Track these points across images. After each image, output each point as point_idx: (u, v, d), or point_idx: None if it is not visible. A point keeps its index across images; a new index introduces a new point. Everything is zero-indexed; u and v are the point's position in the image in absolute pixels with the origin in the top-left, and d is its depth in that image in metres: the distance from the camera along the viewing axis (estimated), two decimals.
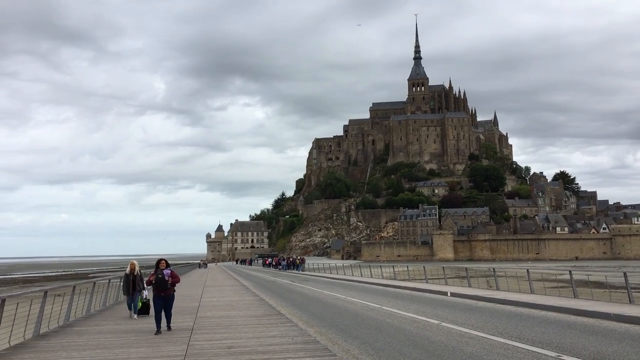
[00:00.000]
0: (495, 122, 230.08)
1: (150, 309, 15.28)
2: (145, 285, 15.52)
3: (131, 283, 15.84)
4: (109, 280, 21.05)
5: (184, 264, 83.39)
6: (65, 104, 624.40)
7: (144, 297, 15.87)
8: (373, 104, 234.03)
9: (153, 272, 12.78)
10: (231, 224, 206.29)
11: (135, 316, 15.52)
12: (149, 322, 13.78)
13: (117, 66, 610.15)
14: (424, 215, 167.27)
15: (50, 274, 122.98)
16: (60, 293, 18.81)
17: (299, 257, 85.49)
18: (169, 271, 12.62)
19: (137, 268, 16.16)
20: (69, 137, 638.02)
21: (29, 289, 15.55)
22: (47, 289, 13.85)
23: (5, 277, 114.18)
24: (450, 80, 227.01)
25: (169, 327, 12.59)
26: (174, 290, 12.85)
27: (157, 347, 10.29)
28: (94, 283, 18.61)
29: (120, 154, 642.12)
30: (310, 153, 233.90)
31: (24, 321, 12.21)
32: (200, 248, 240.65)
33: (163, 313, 12.58)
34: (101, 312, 17.69)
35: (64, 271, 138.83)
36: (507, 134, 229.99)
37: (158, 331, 12.16)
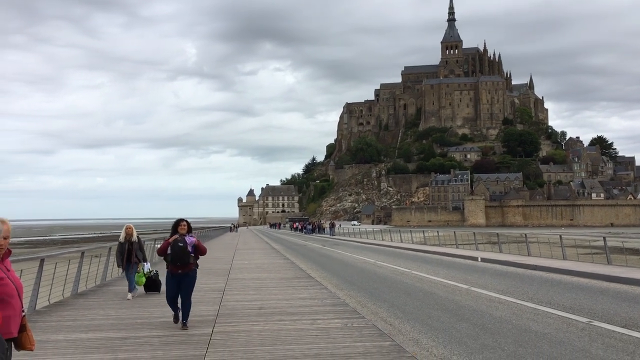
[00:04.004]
0: (530, 85, 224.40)
1: (162, 286, 12.13)
2: (145, 256, 12.87)
3: (126, 253, 12.41)
4: (144, 242, 21.56)
5: (215, 227, 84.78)
6: (98, 69, 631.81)
7: (146, 270, 12.62)
8: (405, 67, 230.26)
9: (169, 237, 8.92)
10: (262, 189, 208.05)
11: (130, 295, 12.00)
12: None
13: (149, 31, 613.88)
14: (456, 181, 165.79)
15: (87, 236, 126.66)
16: (97, 254, 19.40)
17: (329, 222, 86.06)
18: (194, 238, 8.92)
19: (134, 234, 12.62)
20: (102, 102, 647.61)
21: (66, 249, 16.04)
22: (84, 249, 14.28)
23: (44, 238, 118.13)
24: (484, 43, 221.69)
25: (184, 323, 8.61)
26: (197, 266, 9.01)
27: (192, 306, 10.54)
28: (148, 242, 19.23)
29: (153, 118, 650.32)
30: (341, 118, 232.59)
31: (63, 280, 12.61)
32: (231, 212, 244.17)
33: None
34: (158, 264, 18.14)
35: (100, 233, 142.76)
36: (542, 97, 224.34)
37: (176, 316, 8.84)
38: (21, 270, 8.76)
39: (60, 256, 13.23)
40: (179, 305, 8.76)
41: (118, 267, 13.09)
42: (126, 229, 12.48)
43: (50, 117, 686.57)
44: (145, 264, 12.58)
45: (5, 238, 3.70)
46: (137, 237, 12.75)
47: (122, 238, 12.47)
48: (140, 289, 12.54)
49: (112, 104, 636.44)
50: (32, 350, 3.85)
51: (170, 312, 9.17)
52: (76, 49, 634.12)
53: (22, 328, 3.74)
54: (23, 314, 3.74)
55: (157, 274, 12.84)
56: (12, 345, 3.77)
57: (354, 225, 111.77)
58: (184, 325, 8.57)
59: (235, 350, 7.06)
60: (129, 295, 11.98)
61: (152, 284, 12.67)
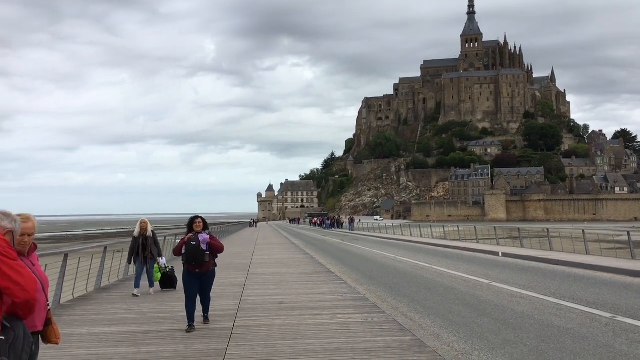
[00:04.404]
0: (552, 78, 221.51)
1: (178, 282, 12.08)
2: (160, 251, 12.54)
3: (140, 248, 12.11)
4: (165, 237, 21.75)
5: (235, 222, 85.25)
6: (119, 66, 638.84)
7: (162, 265, 12.35)
8: (424, 61, 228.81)
9: (185, 236, 8.70)
10: (281, 184, 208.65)
11: (136, 291, 11.68)
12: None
13: (168, 28, 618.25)
14: (476, 175, 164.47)
15: (108, 231, 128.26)
16: (119, 249, 19.61)
17: (348, 217, 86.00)
18: (207, 235, 8.51)
19: (149, 228, 12.30)
20: (123, 99, 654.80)
21: (89, 244, 16.26)
22: (106, 244, 14.46)
23: (67, 233, 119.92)
24: (505, 36, 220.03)
25: (205, 318, 8.61)
26: (215, 265, 8.71)
27: (212, 301, 10.63)
28: (165, 237, 19.57)
29: (173, 115, 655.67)
30: (360, 113, 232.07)
31: (86, 275, 12.79)
32: (250, 207, 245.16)
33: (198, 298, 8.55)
34: (174, 261, 18.33)
35: (121, 228, 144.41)
36: (564, 90, 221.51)
37: (191, 326, 8.14)
38: (45, 265, 8.90)
39: (83, 251, 13.42)
40: (198, 303, 8.51)
41: (128, 263, 12.70)
42: (141, 223, 12.26)
43: (73, 114, 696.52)
44: (160, 259, 12.33)
45: (30, 235, 3.75)
46: (152, 231, 12.42)
47: (136, 233, 12.23)
48: (156, 285, 12.35)
49: (133, 101, 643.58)
50: (57, 343, 3.91)
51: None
52: (97, 46, 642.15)
53: (48, 322, 3.80)
54: (48, 307, 3.80)
55: (172, 270, 12.58)
56: (39, 339, 3.84)
57: (377, 220, 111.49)
58: (206, 320, 8.54)
59: (256, 344, 7.10)
60: (136, 292, 11.69)
61: (167, 280, 12.45)
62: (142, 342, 7.33)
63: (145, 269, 12.08)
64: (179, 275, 10.83)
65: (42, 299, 3.73)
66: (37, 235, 3.87)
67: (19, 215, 3.68)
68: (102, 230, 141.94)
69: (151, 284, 12.08)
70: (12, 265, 3.13)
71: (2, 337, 3.11)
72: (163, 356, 6.60)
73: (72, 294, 11.87)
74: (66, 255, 11.35)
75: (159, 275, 12.25)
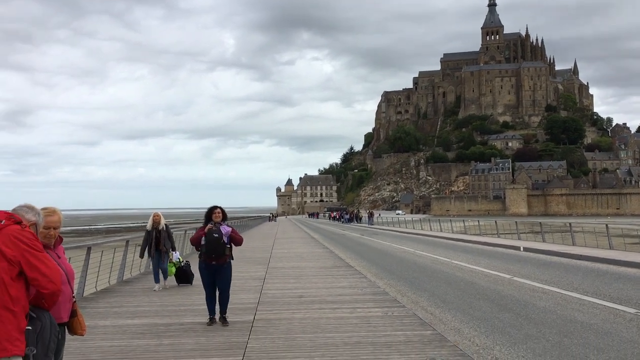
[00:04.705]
0: (575, 71, 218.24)
1: (194, 277, 11.89)
2: (174, 245, 12.29)
3: (153, 241, 11.81)
4: (185, 231, 21.94)
5: (254, 216, 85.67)
6: (139, 61, 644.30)
7: (175, 259, 12.11)
8: (444, 54, 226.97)
9: (203, 227, 8.27)
10: (300, 178, 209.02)
11: (157, 287, 11.49)
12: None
13: (187, 23, 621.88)
14: (497, 169, 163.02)
15: (130, 225, 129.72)
16: (140, 243, 19.84)
17: (368, 211, 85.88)
18: (229, 228, 8.22)
19: (162, 221, 12.01)
20: (143, 94, 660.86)
21: (111, 238, 16.45)
22: (128, 238, 14.62)
23: (89, 227, 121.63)
24: (526, 28, 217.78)
25: (223, 319, 8.04)
26: (232, 258, 8.29)
27: (232, 294, 10.72)
28: (185, 231, 19.76)
29: (193, 109, 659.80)
30: (379, 106, 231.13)
31: (109, 268, 12.96)
32: (270, 202, 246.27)
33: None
34: (190, 256, 18.49)
35: (142, 222, 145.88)
36: (587, 83, 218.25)
37: (212, 319, 8.07)
38: (69, 257, 9.04)
39: (105, 244, 13.60)
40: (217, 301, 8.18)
41: (140, 257, 12.37)
42: (153, 216, 11.97)
43: (94, 109, 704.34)
44: (174, 253, 12.11)
45: (55, 228, 3.81)
46: (165, 225, 12.09)
47: (149, 226, 11.92)
48: (171, 279, 12.12)
49: (153, 96, 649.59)
50: (83, 335, 3.97)
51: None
52: (117, 42, 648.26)
53: (73, 313, 3.86)
54: (73, 299, 3.86)
55: (188, 265, 12.31)
56: (65, 330, 3.90)
57: (399, 214, 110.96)
58: (224, 321, 7.96)
59: (277, 337, 7.13)
60: (157, 288, 11.45)
61: (182, 275, 12.15)
62: (164, 335, 7.41)
63: (159, 263, 11.79)
64: (194, 269, 10.98)
65: (67, 290, 3.79)
66: (61, 228, 3.93)
67: (44, 208, 3.74)
68: (123, 224, 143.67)
69: (165, 277, 11.80)
70: (39, 257, 3.19)
71: (30, 327, 3.17)
72: (185, 348, 6.66)
73: (95, 287, 12.03)
74: (89, 249, 11.50)
75: (173, 269, 11.98)
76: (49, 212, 3.78)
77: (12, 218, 3.26)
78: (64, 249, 4.10)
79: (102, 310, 9.34)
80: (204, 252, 8.06)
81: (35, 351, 3.16)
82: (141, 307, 9.66)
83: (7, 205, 3.92)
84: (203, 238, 8.06)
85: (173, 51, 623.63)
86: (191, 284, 12.05)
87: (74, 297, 3.87)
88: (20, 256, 3.11)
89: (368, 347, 6.56)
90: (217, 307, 8.20)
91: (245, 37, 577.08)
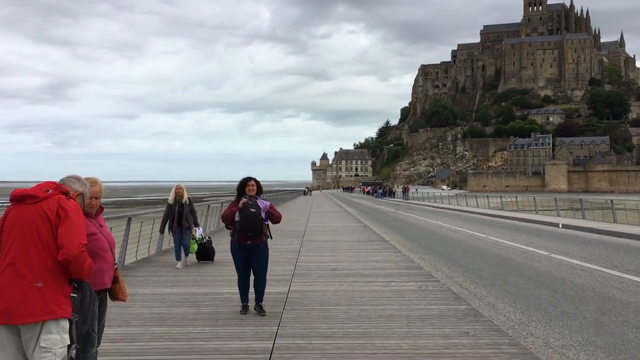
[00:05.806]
0: (621, 43, 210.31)
1: (215, 254, 11.49)
2: (197, 221, 11.47)
3: (176, 216, 11.03)
4: (222, 204, 22.26)
5: (289, 190, 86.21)
6: (176, 35, 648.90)
7: (198, 236, 11.30)
8: (484, 26, 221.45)
9: (237, 201, 7.15)
10: (335, 152, 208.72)
11: (179, 264, 10.81)
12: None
13: None
14: (536, 145, 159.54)
15: (167, 197, 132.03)
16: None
17: (402, 186, 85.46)
18: (267, 203, 7.22)
19: (185, 195, 11.22)
20: (180, 68, 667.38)
21: (151, 209, 16.82)
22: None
23: (129, 198, 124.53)
24: None
25: (260, 307, 7.04)
26: (269, 237, 7.27)
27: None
28: (208, 205, 19.97)
29: (229, 83, 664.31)
30: (416, 80, 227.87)
31: (148, 238, 13.28)
32: (305, 176, 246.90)
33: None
34: (214, 233, 18.84)
35: None
36: (634, 56, 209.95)
37: (245, 307, 7.08)
38: (110, 227, 9.30)
39: (144, 216, 13.92)
40: (251, 287, 7.13)
41: (160, 232, 11.80)
42: (176, 189, 11.23)
43: (133, 83, 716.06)
44: (197, 229, 11.32)
45: (97, 198, 3.95)
46: (188, 198, 11.31)
47: (171, 199, 11.19)
48: (192, 257, 11.48)
49: (190, 70, 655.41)
50: (124, 300, 4.12)
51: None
52: (155, 15, 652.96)
53: (115, 280, 4.00)
54: (115, 267, 3.99)
55: (210, 241, 11.62)
56: (107, 296, 4.05)
57: (444, 189, 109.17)
58: (261, 310, 6.98)
59: (311, 309, 7.22)
60: (179, 265, 10.81)
61: (204, 252, 11.41)
62: (202, 304, 7.59)
63: (181, 239, 11.02)
64: (216, 246, 11.04)
65: (109, 258, 3.93)
66: (102, 199, 4.06)
67: (87, 179, 3.86)
68: (162, 195, 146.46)
69: (186, 253, 11.14)
70: (69, 227, 3.27)
71: (75, 295, 3.30)
72: (222, 317, 6.82)
73: (135, 256, 12.36)
74: (129, 219, 11.80)
75: (195, 246, 11.23)
76: (91, 182, 3.91)
77: (59, 188, 3.38)
78: (104, 219, 4.23)
79: (142, 279, 9.61)
80: (239, 228, 6.97)
81: (77, 318, 3.29)
82: (179, 276, 9.90)
83: (49, 177, 4.05)
84: (237, 214, 6.99)
85: (209, 24, 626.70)
86: (212, 261, 11.48)
87: (115, 264, 4.01)
88: (58, 223, 3.24)
89: (402, 320, 6.60)
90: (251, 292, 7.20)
91: (280, 10, 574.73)
